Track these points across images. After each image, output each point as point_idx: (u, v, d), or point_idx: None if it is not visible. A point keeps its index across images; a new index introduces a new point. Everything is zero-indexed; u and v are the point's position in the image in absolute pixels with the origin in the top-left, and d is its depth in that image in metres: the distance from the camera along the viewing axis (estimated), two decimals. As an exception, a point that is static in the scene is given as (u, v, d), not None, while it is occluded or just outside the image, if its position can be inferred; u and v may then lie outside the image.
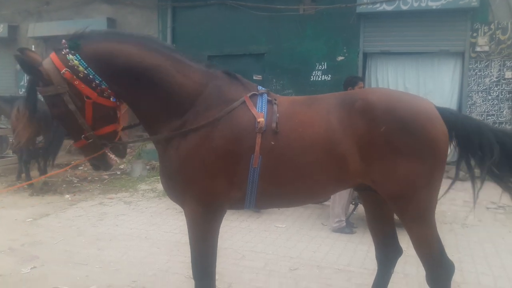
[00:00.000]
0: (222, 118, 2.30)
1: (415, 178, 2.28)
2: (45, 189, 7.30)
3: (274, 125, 2.30)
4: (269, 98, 2.44)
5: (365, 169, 2.32)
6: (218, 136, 2.28)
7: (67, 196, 7.01)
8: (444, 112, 2.40)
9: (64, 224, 5.43)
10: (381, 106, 2.30)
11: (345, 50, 8.87)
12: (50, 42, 2.46)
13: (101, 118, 2.35)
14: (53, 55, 2.26)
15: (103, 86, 2.29)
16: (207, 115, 2.31)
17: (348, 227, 5.20)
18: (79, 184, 7.96)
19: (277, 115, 2.35)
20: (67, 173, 8.75)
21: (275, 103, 2.41)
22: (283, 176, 2.35)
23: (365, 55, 8.91)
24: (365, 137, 2.28)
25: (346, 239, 4.91)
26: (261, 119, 2.30)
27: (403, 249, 2.89)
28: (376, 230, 2.82)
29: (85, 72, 2.24)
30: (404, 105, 2.34)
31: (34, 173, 7.76)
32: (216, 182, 2.32)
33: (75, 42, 2.27)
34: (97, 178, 8.42)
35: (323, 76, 8.93)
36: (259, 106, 2.37)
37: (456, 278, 2.46)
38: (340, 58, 8.91)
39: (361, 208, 5.69)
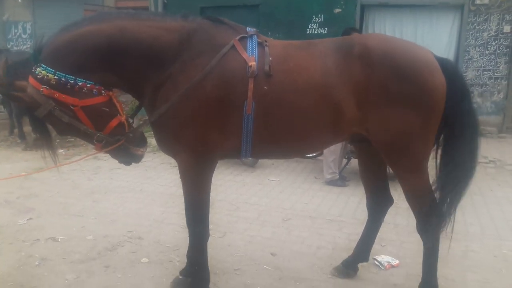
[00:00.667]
0: (207, 59, 2.21)
1: (410, 128, 2.25)
2: (38, 144, 7.26)
3: (267, 67, 2.22)
4: (259, 40, 2.34)
5: (360, 117, 2.28)
6: (208, 84, 2.21)
7: (61, 150, 7.00)
8: (443, 62, 2.32)
9: (59, 178, 5.45)
10: (379, 51, 2.24)
11: (342, 2, 8.61)
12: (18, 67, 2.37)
13: (99, 117, 2.26)
14: (30, 78, 2.17)
15: (80, 83, 2.17)
16: (196, 63, 2.24)
17: (341, 180, 5.29)
18: (73, 139, 7.91)
19: (270, 58, 2.27)
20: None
21: (266, 45, 2.32)
22: (278, 122, 2.30)
23: (363, 7, 8.67)
24: (362, 83, 2.22)
25: (338, 191, 4.99)
26: (252, 63, 2.22)
27: (394, 200, 2.93)
28: (369, 180, 2.85)
29: (56, 77, 2.14)
30: (403, 52, 2.27)
31: (27, 128, 7.69)
32: (208, 131, 2.29)
33: (35, 55, 2.19)
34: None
35: (320, 29, 8.72)
36: (249, 49, 2.29)
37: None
38: (337, 10, 8.66)
39: (354, 162, 5.76)
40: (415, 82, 2.20)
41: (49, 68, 2.14)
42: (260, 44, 2.32)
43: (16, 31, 11.83)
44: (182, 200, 2.53)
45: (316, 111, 2.27)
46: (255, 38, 2.35)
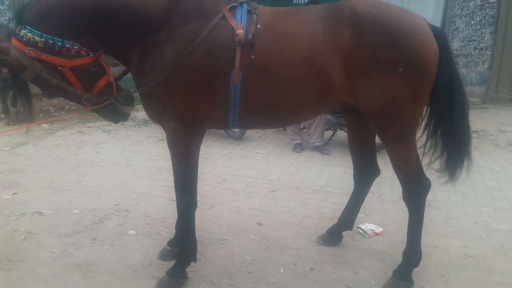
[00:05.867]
0: (199, 31, 2.17)
1: (400, 96, 2.20)
2: (21, 118, 7.12)
3: (250, 36, 2.17)
4: (248, 8, 2.28)
5: (349, 85, 2.23)
6: (195, 52, 2.17)
7: (45, 125, 6.88)
8: (436, 30, 2.25)
9: (43, 152, 5.40)
10: (369, 15, 2.16)
11: (329, -29, 8.45)
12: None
13: (87, 78, 2.24)
14: (13, 40, 2.10)
15: (67, 45, 2.14)
16: (184, 29, 2.19)
17: (324, 148, 5.44)
18: (57, 114, 7.80)
19: (258, 26, 2.22)
20: (43, 102, 8.53)
21: (255, 13, 2.26)
22: (266, 92, 2.26)
23: (350, -23, 8.52)
24: (350, 50, 2.16)
25: (323, 162, 5.04)
26: (240, 31, 2.17)
27: (380, 170, 2.95)
28: (356, 150, 2.84)
29: (43, 40, 2.09)
30: (394, 17, 2.19)
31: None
32: (195, 100, 2.26)
33: (20, 16, 2.11)
34: (74, 108, 8.24)
35: (306, -1, 8.57)
36: (238, 17, 2.23)
37: (428, 197, 2.56)
38: (323, -21, 8.51)
39: (339, 133, 5.82)
40: (406, 49, 2.12)
41: (35, 31, 2.09)
42: (249, 12, 2.26)
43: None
44: (169, 173, 2.53)
45: (305, 79, 2.22)
46: (245, 5, 2.29)
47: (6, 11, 11.39)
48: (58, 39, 2.12)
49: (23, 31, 2.09)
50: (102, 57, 2.35)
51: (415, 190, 2.47)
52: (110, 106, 2.36)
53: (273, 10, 2.38)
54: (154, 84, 2.22)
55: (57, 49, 2.13)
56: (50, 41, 2.11)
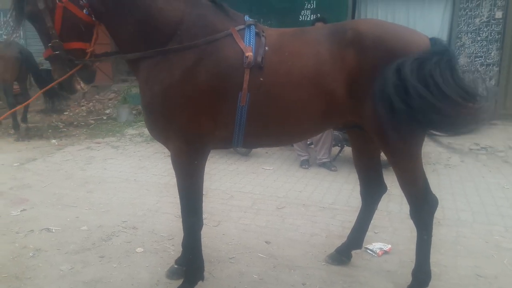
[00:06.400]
0: (205, 47, 2.19)
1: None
2: (31, 134, 7.22)
3: (259, 59, 2.19)
4: (257, 30, 2.31)
5: (354, 104, 2.25)
6: (203, 71, 2.19)
7: (54, 141, 6.96)
8: (437, 44, 2.22)
9: (52, 168, 5.43)
10: (372, 36, 2.19)
11: (335, -11, 8.56)
12: None
13: (70, 29, 2.24)
14: None
15: None
16: (192, 45, 2.21)
17: (332, 164, 5.41)
18: (65, 129, 7.88)
19: (266, 48, 2.25)
20: (53, 118, 8.64)
21: (263, 36, 2.29)
22: (272, 114, 2.28)
23: (355, -5, 8.62)
24: (355, 70, 2.18)
25: (331, 179, 5.02)
26: (249, 54, 2.19)
27: (387, 187, 2.94)
28: (362, 167, 2.84)
29: None
30: (396, 37, 2.22)
31: (10, 120, 7.64)
32: (200, 119, 2.27)
33: None
34: (83, 123, 8.35)
35: (312, 15, 8.64)
36: (247, 39, 2.26)
37: (437, 215, 2.54)
38: (329, -3, 8.61)
39: (347, 150, 5.80)
40: None
41: None
42: (257, 35, 2.29)
43: (5, 19, 11.61)
44: (176, 189, 2.53)
45: (310, 100, 2.24)
46: (253, 28, 2.32)
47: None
48: None
49: None
50: (100, 31, 2.35)
51: (422, 208, 2.45)
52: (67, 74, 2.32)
53: (279, 31, 2.42)
54: (157, 101, 2.24)
55: None
56: None
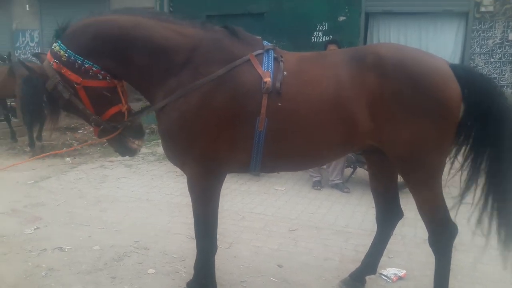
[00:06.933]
0: (224, 76, 2.20)
1: (425, 139, 2.19)
2: (46, 152, 7.31)
3: (278, 84, 2.19)
4: (275, 55, 2.31)
5: (374, 128, 2.22)
6: (221, 97, 2.19)
7: (68, 159, 7.04)
8: (456, 69, 2.24)
9: (65, 186, 5.49)
10: (393, 60, 2.19)
11: (347, 10, 8.64)
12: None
13: (99, 101, 2.33)
14: (48, 52, 2.32)
15: (86, 65, 2.27)
16: (207, 71, 2.22)
17: (344, 186, 5.36)
18: (79, 147, 7.97)
19: (285, 73, 2.24)
20: (67, 136, 8.76)
21: (281, 61, 2.29)
22: (291, 139, 2.27)
23: (367, 15, 8.68)
24: (376, 94, 2.17)
25: (344, 201, 4.98)
26: (267, 79, 2.19)
27: (403, 213, 2.88)
28: (379, 191, 2.79)
29: (66, 55, 2.26)
30: (417, 61, 2.21)
31: (25, 138, 7.79)
32: (218, 144, 2.27)
33: (58, 32, 2.33)
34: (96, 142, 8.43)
35: (324, 36, 8.73)
36: (265, 64, 2.26)
37: (452, 239, 2.49)
38: (341, 18, 8.69)
39: (359, 171, 5.76)
40: (430, 92, 2.14)
41: (63, 45, 2.28)
42: (275, 59, 2.30)
43: (23, 39, 11.94)
44: (188, 209, 2.54)
45: (330, 124, 2.23)
46: (271, 52, 2.32)
47: (35, 48, 11.91)
48: (80, 57, 2.26)
49: (55, 44, 2.29)
50: (123, 87, 2.43)
51: (442, 236, 2.40)
52: (118, 137, 2.43)
53: (297, 56, 2.42)
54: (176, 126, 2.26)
55: (76, 66, 2.27)
56: (72, 58, 2.26)
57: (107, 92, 2.33)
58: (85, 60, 2.26)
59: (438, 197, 2.35)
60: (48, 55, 2.31)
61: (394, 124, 2.19)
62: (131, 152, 2.55)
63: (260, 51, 2.32)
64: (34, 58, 2.47)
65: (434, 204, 2.36)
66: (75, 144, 8.18)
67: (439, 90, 2.15)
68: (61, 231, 4.03)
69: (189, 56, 2.27)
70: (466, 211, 4.57)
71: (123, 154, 2.60)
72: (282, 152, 2.33)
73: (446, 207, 2.41)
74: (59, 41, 2.29)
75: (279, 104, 2.20)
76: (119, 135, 2.43)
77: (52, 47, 2.31)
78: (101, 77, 2.30)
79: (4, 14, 11.94)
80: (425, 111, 2.15)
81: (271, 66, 2.26)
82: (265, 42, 2.41)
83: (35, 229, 4.06)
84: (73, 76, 2.26)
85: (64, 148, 7.72)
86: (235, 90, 2.21)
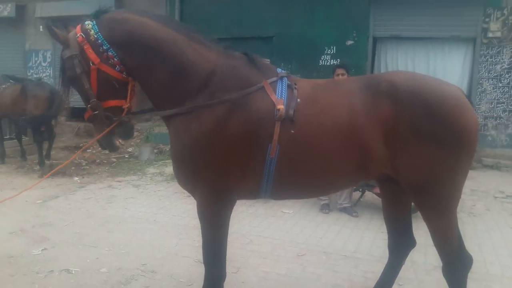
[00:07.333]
0: (237, 100, 2.22)
1: (441, 169, 2.17)
2: (55, 171, 7.36)
3: (291, 112, 2.20)
4: (289, 82, 2.33)
5: (389, 157, 2.20)
6: (234, 123, 2.21)
7: (76, 178, 7.08)
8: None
9: (73, 206, 5.50)
10: (407, 88, 2.18)
11: (354, 35, 8.75)
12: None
13: (106, 88, 2.34)
14: (78, 25, 2.37)
15: (110, 53, 2.31)
16: (222, 97, 2.24)
17: (353, 210, 5.34)
18: (88, 167, 8.02)
19: (298, 101, 2.25)
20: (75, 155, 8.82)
21: (295, 88, 2.30)
22: (303, 167, 2.26)
23: (375, 40, 8.79)
24: (390, 122, 2.16)
25: (352, 225, 4.93)
26: (281, 106, 2.19)
27: (416, 241, 2.84)
28: (392, 219, 2.75)
29: (95, 36, 2.31)
30: (432, 90, 2.20)
31: (34, 156, 7.89)
32: (229, 170, 2.27)
33: (99, 12, 2.38)
34: (105, 161, 8.49)
35: (332, 60, 8.83)
36: (279, 92, 2.27)
37: (464, 267, 2.45)
38: (349, 42, 8.80)
39: (367, 194, 5.72)
40: (445, 121, 2.12)
41: (96, 26, 2.32)
42: (289, 87, 2.31)
43: (36, 59, 12.17)
44: (196, 232, 2.53)
45: (344, 153, 2.21)
46: (285, 80, 2.34)
47: (47, 68, 12.14)
48: (107, 44, 2.30)
49: (88, 21, 2.34)
50: (134, 86, 2.44)
51: (456, 266, 2.36)
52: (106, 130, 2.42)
53: (311, 83, 2.43)
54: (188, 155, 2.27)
55: (100, 49, 2.31)
56: (99, 40, 2.31)
57: (117, 83, 2.36)
58: (111, 49, 2.30)
59: (452, 227, 2.32)
60: (78, 28, 2.34)
61: (408, 152, 2.17)
62: (112, 148, 2.54)
63: (274, 79, 2.34)
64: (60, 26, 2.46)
65: (448, 234, 2.32)
66: (83, 163, 8.24)
67: (454, 118, 2.14)
68: (69, 252, 4.03)
69: (207, 80, 2.30)
70: (476, 236, 4.52)
71: (104, 147, 2.56)
72: (293, 180, 2.32)
73: (460, 237, 2.37)
74: (94, 21, 2.34)
75: (292, 131, 2.20)
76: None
77: (85, 23, 2.34)
78: (118, 68, 2.33)
79: (17, 34, 12.22)
80: (440, 140, 2.13)
81: (284, 93, 2.27)
82: (279, 70, 2.43)
83: (42, 250, 4.06)
84: (92, 55, 2.29)
85: (73, 168, 7.80)
86: (249, 116, 2.22)
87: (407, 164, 2.20)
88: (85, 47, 2.30)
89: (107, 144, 2.52)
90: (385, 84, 2.22)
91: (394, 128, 2.16)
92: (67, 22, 2.50)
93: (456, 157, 2.17)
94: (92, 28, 2.32)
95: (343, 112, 2.21)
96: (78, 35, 2.31)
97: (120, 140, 2.55)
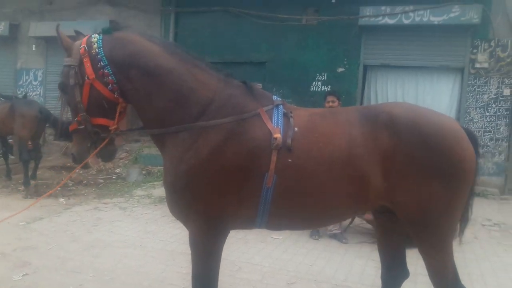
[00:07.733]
0: (233, 130, 2.19)
1: (437, 201, 2.15)
2: (40, 191, 7.22)
3: (289, 141, 2.17)
4: (284, 110, 2.31)
5: (386, 189, 2.18)
6: (229, 151, 2.16)
7: (62, 199, 6.94)
8: (470, 133, 2.28)
9: (58, 229, 5.36)
10: (405, 120, 2.18)
11: (345, 62, 8.90)
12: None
13: (95, 105, 2.32)
14: (87, 36, 2.38)
15: (106, 71, 2.29)
16: (223, 126, 2.20)
17: (343, 236, 5.30)
18: (74, 188, 7.87)
19: (295, 129, 2.23)
20: (62, 175, 8.68)
21: (291, 116, 2.28)
22: (300, 195, 2.21)
23: (365, 67, 8.95)
24: (388, 153, 2.14)
25: (342, 252, 4.88)
26: (278, 135, 2.17)
27: (409, 272, 2.80)
28: (387, 251, 2.70)
29: (97, 50, 2.30)
30: (430, 122, 2.20)
31: (20, 176, 7.76)
32: (224, 199, 2.21)
33: (109, 29, 2.43)
34: (92, 182, 8.35)
35: (323, 86, 8.94)
36: (275, 120, 2.24)
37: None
38: (340, 69, 8.94)
39: (357, 220, 5.69)
40: (443, 153, 2.12)
41: (100, 41, 2.33)
42: (285, 115, 2.29)
43: (27, 77, 12.10)
44: (183, 257, 2.45)
45: (341, 183, 2.18)
46: (281, 108, 2.32)
47: (38, 86, 12.07)
48: (106, 61, 2.28)
49: (96, 35, 2.35)
50: (124, 108, 2.41)
51: None
52: (89, 144, 2.41)
53: (308, 112, 2.41)
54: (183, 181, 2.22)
55: (98, 65, 2.29)
56: (99, 56, 2.29)
57: (106, 103, 2.33)
58: (108, 66, 2.28)
59: (448, 260, 2.29)
60: (84, 39, 2.35)
61: (406, 184, 2.15)
62: (85, 163, 2.52)
63: (270, 106, 2.32)
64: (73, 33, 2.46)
65: (444, 268, 2.29)
66: (70, 184, 8.10)
67: (452, 151, 2.14)
68: (51, 278, 3.89)
69: (205, 108, 2.27)
70: (465, 266, 4.50)
71: (76, 159, 2.48)
72: (290, 210, 2.27)
73: (456, 270, 2.34)
74: (101, 36, 2.35)
75: (289, 160, 2.17)
76: (93, 144, 2.41)
77: (92, 36, 2.35)
78: (111, 87, 2.30)
79: (9, 52, 12.18)
80: (438, 172, 2.13)
81: (280, 121, 2.25)
82: (274, 97, 2.41)
83: (23, 275, 3.91)
84: (89, 70, 2.28)
85: (59, 188, 7.64)
86: (245, 145, 2.18)
87: (404, 196, 2.18)
88: (84, 59, 2.29)
89: (81, 159, 2.46)
90: (383, 115, 2.22)
91: (392, 159, 2.15)
92: (79, 32, 2.52)
93: (454, 189, 2.16)
94: (97, 42, 2.32)
95: (342, 142, 2.19)
96: (82, 46, 2.31)
97: (99, 162, 2.51)
